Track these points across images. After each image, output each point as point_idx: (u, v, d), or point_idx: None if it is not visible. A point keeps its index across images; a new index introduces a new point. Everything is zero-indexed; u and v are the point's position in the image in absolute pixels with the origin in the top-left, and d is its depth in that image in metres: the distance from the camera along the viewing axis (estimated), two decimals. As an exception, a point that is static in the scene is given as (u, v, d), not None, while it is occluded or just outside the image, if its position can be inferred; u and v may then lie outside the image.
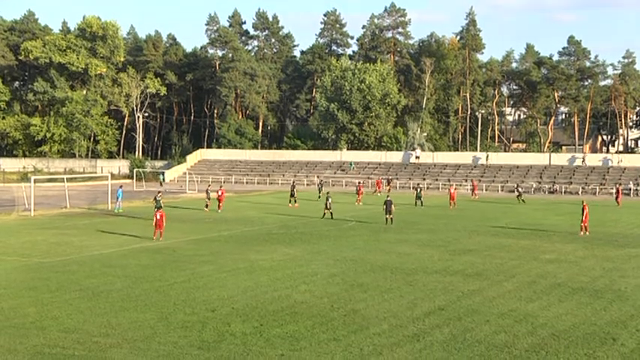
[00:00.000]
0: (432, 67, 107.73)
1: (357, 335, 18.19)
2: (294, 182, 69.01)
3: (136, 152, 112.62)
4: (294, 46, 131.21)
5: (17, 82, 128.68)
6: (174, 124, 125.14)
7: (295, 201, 58.28)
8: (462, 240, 37.82)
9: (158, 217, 37.00)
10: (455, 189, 64.61)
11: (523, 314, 20.62)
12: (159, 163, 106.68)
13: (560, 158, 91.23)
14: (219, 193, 54.59)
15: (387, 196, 50.08)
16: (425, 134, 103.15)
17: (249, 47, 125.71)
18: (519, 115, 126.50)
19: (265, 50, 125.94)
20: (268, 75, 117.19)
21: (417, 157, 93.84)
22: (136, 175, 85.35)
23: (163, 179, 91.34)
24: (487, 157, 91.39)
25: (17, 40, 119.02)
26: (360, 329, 18.77)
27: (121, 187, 56.96)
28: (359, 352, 16.75)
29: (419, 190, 62.92)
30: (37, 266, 28.45)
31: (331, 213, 48.32)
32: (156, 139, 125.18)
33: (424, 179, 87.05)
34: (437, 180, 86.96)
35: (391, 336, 18.21)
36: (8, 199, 59.72)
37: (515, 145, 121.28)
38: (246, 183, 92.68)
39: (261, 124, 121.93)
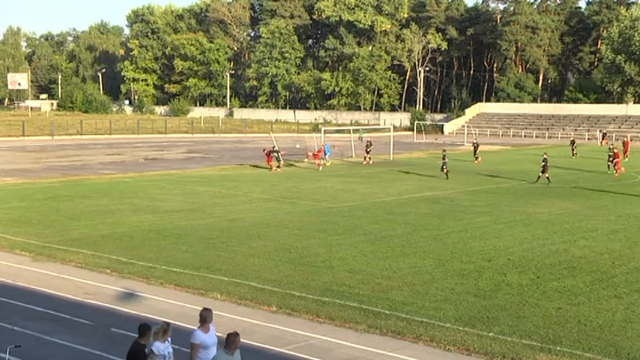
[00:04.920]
0: None
1: (642, 295, 17.31)
2: (474, 142, 60.53)
3: (417, 105, 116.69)
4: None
5: (310, 40, 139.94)
6: (453, 78, 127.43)
7: (477, 158, 54.45)
8: None
9: (310, 154, 49.68)
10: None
11: None
12: (438, 116, 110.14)
13: None
14: (310, 153, 51.55)
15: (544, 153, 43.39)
16: None
17: (531, 0, 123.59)
18: None
19: (548, 2, 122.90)
20: (550, 27, 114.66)
21: None
22: (416, 128, 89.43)
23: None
24: None
25: (312, 1, 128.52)
26: (645, 289, 17.85)
27: (326, 144, 53.38)
28: (643, 313, 15.92)
29: None
30: (325, 210, 30.08)
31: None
32: (436, 92, 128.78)
33: None
34: None
35: (681, 299, 17.09)
36: (301, 148, 61.91)
37: None
38: (524, 137, 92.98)
39: (541, 77, 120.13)
